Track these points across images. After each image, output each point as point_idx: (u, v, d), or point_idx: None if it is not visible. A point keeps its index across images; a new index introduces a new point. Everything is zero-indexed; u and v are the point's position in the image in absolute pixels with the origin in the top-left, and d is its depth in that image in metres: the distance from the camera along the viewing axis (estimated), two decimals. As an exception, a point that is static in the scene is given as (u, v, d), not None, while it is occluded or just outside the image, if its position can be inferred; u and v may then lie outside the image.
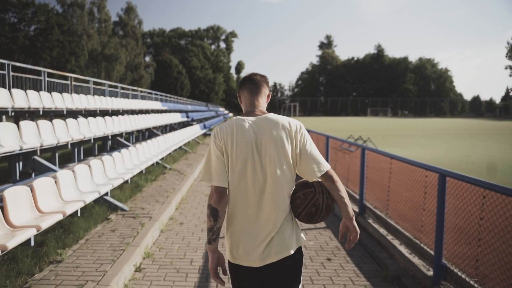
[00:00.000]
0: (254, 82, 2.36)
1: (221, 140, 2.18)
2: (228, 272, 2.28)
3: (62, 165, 7.91)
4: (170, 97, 28.95)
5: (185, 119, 23.32)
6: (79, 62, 41.72)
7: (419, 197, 4.92)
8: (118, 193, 7.33)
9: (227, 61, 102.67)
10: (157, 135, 14.11)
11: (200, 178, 2.33)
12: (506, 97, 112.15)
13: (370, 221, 6.54)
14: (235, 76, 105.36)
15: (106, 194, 6.36)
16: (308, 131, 12.15)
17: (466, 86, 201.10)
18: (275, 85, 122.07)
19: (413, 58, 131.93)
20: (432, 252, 4.51)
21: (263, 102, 2.37)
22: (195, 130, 20.77)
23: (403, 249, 5.18)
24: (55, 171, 6.23)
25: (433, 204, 4.45)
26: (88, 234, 5.46)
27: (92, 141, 8.48)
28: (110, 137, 9.65)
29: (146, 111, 17.39)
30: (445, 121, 67.79)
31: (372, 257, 5.37)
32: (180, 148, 15.27)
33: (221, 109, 69.41)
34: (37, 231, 3.83)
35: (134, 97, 19.08)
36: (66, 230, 5.25)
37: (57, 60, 38.38)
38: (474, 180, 3.57)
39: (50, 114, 9.64)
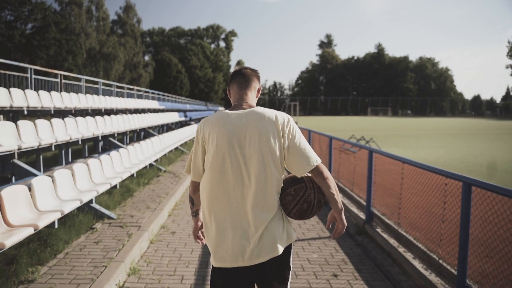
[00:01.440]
0: (244, 76, 2.30)
1: (203, 134, 2.16)
2: (212, 280, 2.23)
3: (48, 168, 7.40)
4: (168, 96, 28.39)
5: (183, 118, 22.78)
6: (76, 60, 41.13)
7: (437, 207, 4.40)
8: (106, 199, 6.80)
9: (227, 60, 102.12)
10: (153, 135, 13.58)
11: (184, 170, 2.46)
12: (506, 97, 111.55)
13: (379, 230, 6.01)
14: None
15: (91, 201, 5.83)
16: (310, 131, 11.65)
17: (467, 86, 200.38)
18: (275, 84, 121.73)
19: (413, 57, 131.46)
20: (452, 270, 4.00)
21: (252, 96, 2.31)
22: (193, 130, 20.24)
23: (417, 264, 4.66)
24: (36, 175, 5.72)
25: (454, 215, 3.93)
26: (68, 246, 4.94)
27: (80, 142, 7.94)
28: (100, 138, 9.12)
29: (142, 111, 16.86)
30: (446, 121, 67.27)
31: (383, 272, 4.85)
32: (176, 148, 14.76)
33: (221, 108, 68.68)
34: (0, 249, 3.31)
35: (130, 96, 18.54)
36: (43, 243, 4.72)
37: (54, 58, 37.79)
38: (510, 192, 3.05)
39: (38, 114, 9.14)
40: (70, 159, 8.31)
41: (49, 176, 5.01)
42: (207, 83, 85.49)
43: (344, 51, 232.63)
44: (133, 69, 57.46)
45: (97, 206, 6.03)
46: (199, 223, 2.47)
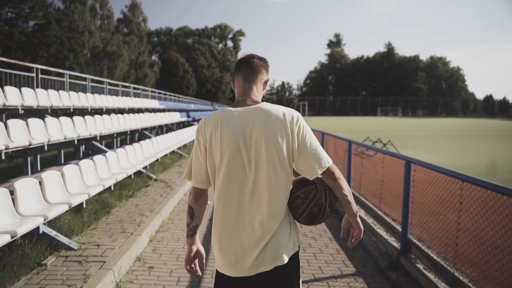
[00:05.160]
0: (250, 66, 2.10)
1: (205, 135, 1.97)
2: (214, 282, 2.07)
3: (4, 180, 6.05)
4: (170, 95, 26.98)
5: (184, 118, 21.40)
6: (78, 59, 39.95)
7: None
8: (71, 219, 5.38)
9: (235, 60, 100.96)
10: (148, 137, 12.20)
11: (183, 176, 2.20)
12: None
13: (420, 266, 4.57)
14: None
15: (37, 229, 4.39)
16: (323, 133, 10.22)
17: (478, 85, 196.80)
18: (283, 84, 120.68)
19: (424, 57, 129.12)
20: None
21: (258, 90, 2.11)
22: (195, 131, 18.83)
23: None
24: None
25: None
26: (-5, 298, 3.54)
27: (46, 147, 6.55)
28: (76, 141, 7.71)
29: (139, 110, 15.51)
30: (459, 121, 65.35)
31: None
32: (174, 152, 13.34)
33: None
34: None
35: (127, 94, 17.17)
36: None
37: (55, 57, 36.67)
38: None
39: (5, 113, 7.82)
40: (39, 168, 6.95)
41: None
42: (214, 83, 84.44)
43: (353, 50, 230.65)
44: (138, 69, 56.46)
45: (53, 233, 4.62)
46: (194, 248, 2.13)
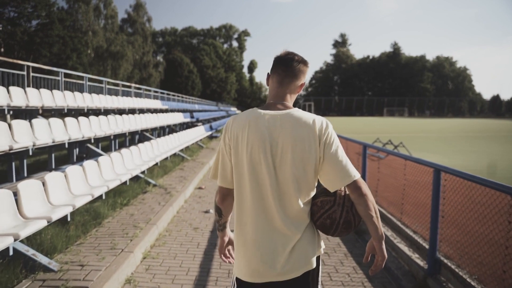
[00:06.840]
0: (287, 70, 1.96)
1: (231, 135, 1.93)
2: None
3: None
4: (173, 95, 26.40)
5: (188, 119, 20.81)
6: (81, 59, 39.48)
7: None
8: (54, 234, 4.76)
9: (240, 60, 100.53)
10: (149, 139, 11.61)
11: (210, 175, 2.16)
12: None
13: (453, 291, 3.93)
14: (247, 75, 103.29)
15: (6, 250, 3.79)
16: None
17: (485, 86, 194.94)
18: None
19: (430, 57, 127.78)
20: None
21: (291, 95, 2.01)
22: (199, 132, 18.28)
23: None
24: None
25: None
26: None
27: (31, 152, 5.97)
28: (67, 144, 7.11)
29: (141, 111, 14.94)
30: (467, 122, 64.33)
31: None
32: (175, 155, 12.73)
33: (233, 109, 66.97)
34: None
35: (127, 94, 16.59)
36: None
37: (57, 56, 36.20)
38: None
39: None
40: (25, 174, 6.38)
41: None
42: (219, 83, 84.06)
43: (359, 50, 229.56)
44: (142, 69, 56.07)
45: (30, 252, 4.02)
46: (226, 239, 2.20)
